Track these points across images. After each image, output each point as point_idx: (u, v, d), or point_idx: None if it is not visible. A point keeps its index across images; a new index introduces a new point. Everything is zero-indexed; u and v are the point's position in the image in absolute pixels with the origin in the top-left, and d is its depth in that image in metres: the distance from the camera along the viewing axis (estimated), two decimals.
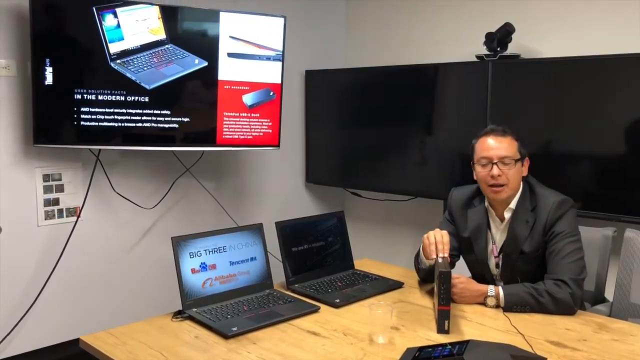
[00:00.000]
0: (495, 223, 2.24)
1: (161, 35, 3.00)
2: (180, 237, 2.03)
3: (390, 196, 3.86)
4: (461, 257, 2.36)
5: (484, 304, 2.05)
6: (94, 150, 3.07)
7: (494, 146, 2.13)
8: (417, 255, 2.29)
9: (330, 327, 1.90)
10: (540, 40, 3.23)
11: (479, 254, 2.26)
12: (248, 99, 3.28)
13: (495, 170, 2.11)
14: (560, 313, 1.97)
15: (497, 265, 2.23)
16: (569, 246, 2.06)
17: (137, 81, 2.96)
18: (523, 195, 2.18)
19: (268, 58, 3.30)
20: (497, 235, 2.23)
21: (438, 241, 2.05)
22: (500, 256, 2.22)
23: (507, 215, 2.19)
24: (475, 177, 2.22)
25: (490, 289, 2.05)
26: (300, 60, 3.90)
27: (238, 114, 3.26)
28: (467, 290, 2.06)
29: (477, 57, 3.26)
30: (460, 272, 2.18)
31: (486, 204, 2.25)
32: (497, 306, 2.03)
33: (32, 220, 2.97)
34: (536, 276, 2.09)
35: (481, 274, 2.27)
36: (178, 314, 1.98)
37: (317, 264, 2.36)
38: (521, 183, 2.19)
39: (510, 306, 2.00)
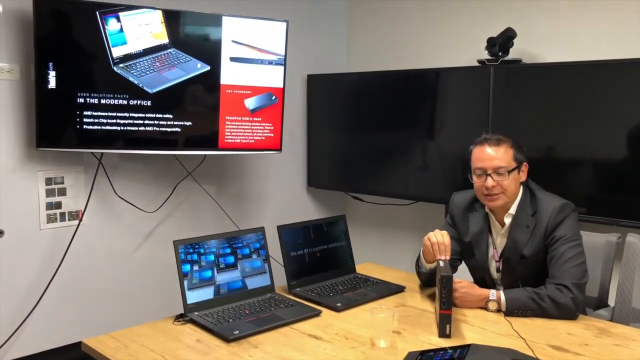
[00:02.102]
0: (495, 228, 2.24)
1: (164, 39, 3.01)
2: (182, 241, 2.04)
3: (391, 200, 3.86)
4: (463, 262, 2.37)
5: (485, 308, 2.05)
6: (96, 154, 3.08)
7: (488, 157, 2.14)
8: (418, 260, 2.29)
9: (332, 331, 1.90)
10: (541, 45, 3.24)
11: (479, 259, 2.26)
12: (250, 103, 3.28)
13: (490, 182, 2.12)
14: (562, 318, 1.97)
15: (497, 270, 2.23)
16: (570, 251, 2.06)
17: (140, 85, 2.97)
18: (523, 200, 2.18)
19: (270, 62, 3.31)
20: (498, 239, 2.23)
21: (440, 242, 2.06)
22: (501, 261, 2.22)
23: (507, 220, 2.19)
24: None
25: (492, 294, 2.05)
26: (302, 65, 3.91)
27: (240, 118, 3.26)
28: (469, 295, 2.07)
29: (479, 62, 3.27)
30: (463, 277, 2.18)
31: (486, 209, 2.25)
32: (499, 310, 2.02)
33: (34, 224, 2.98)
34: (537, 281, 2.08)
35: (482, 279, 2.27)
36: (180, 318, 1.98)
37: (318, 268, 2.36)
38: (520, 188, 2.20)
39: (512, 311, 2.00)
